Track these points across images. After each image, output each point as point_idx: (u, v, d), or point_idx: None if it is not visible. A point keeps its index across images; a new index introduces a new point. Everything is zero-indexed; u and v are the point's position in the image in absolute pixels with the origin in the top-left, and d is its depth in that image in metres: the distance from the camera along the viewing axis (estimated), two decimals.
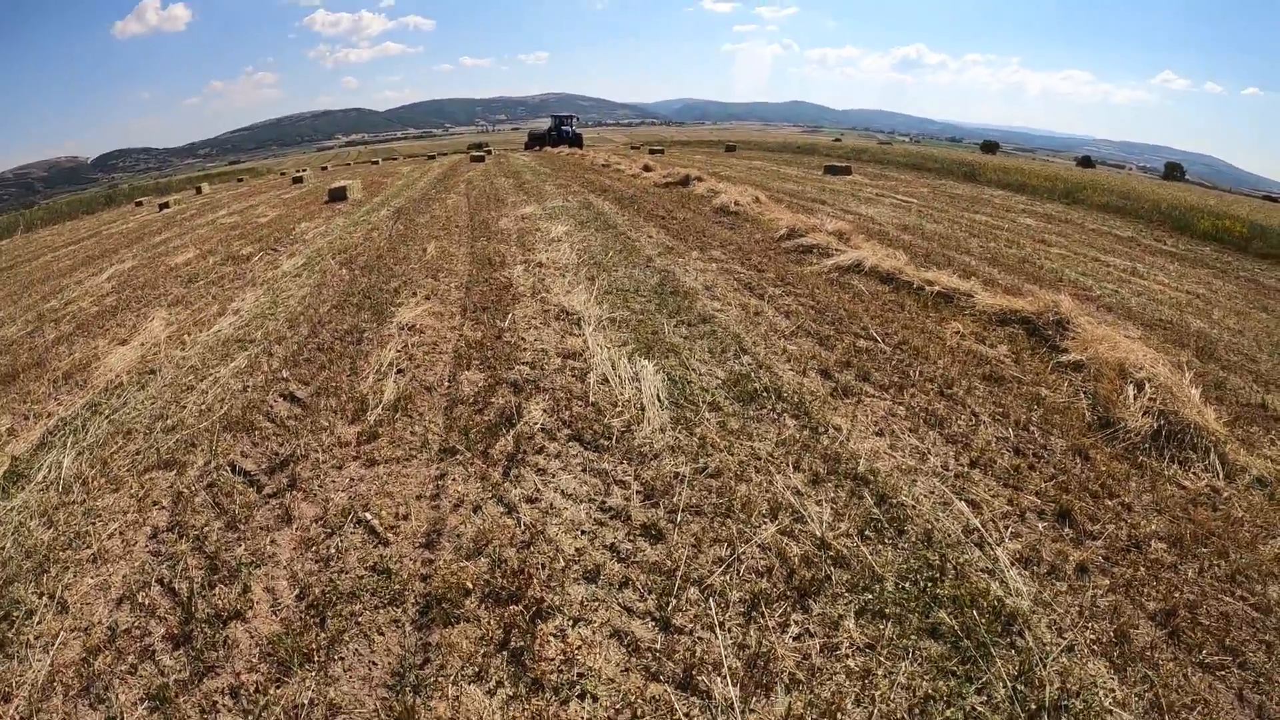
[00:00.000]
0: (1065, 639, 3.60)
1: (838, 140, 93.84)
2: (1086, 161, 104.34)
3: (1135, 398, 6.17)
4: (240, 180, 60.59)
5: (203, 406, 6.71)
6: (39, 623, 4.00)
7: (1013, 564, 4.12)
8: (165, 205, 35.61)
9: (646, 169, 27.40)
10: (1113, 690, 3.34)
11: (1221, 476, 5.42)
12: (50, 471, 5.75)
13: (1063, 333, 7.82)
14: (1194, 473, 5.43)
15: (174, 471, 5.51)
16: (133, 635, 3.81)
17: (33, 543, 4.77)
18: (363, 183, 30.34)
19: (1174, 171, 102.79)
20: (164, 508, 5.03)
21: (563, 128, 69.67)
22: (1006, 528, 4.49)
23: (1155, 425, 5.84)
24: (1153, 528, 4.64)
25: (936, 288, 9.53)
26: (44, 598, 4.20)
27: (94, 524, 4.90)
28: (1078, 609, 3.83)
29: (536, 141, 69.27)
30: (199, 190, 46.67)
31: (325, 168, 66.32)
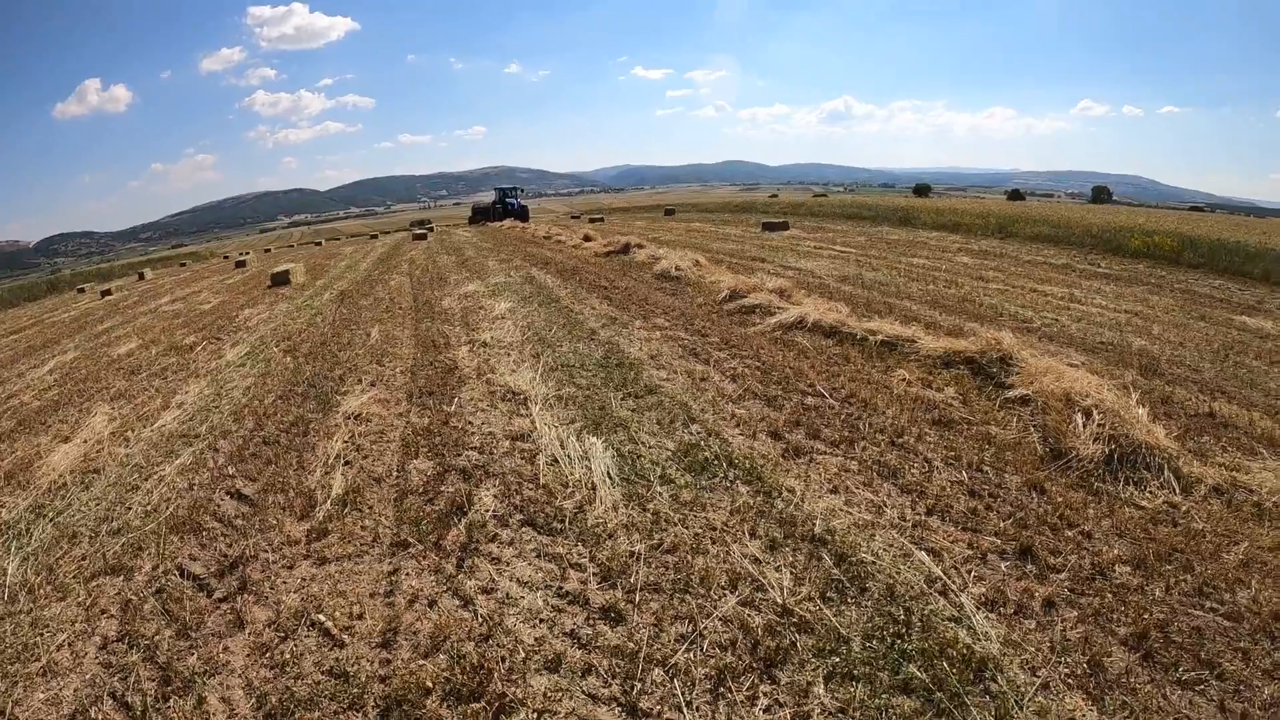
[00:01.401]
0: (1039, 677, 3.56)
1: (774, 196, 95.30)
2: (1016, 195, 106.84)
3: (1084, 425, 6.22)
4: (183, 264, 60.52)
5: (148, 507, 6.51)
6: None
7: (979, 608, 4.08)
8: (108, 292, 35.56)
9: (587, 239, 27.53)
10: None
11: (1178, 491, 5.47)
12: None
13: (1007, 369, 7.88)
14: (1150, 491, 5.47)
15: (121, 577, 5.31)
16: None
17: None
18: (306, 265, 30.12)
19: (1102, 195, 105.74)
20: (113, 616, 4.84)
21: (507, 200, 67.92)
22: (969, 572, 4.46)
23: (1107, 450, 5.88)
24: (1115, 552, 4.65)
25: (880, 337, 9.60)
26: None
27: (42, 635, 4.70)
28: (1048, 645, 3.80)
29: (482, 215, 67.98)
30: (141, 276, 46.59)
31: (269, 250, 66.05)
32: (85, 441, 8.71)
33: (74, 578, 5.40)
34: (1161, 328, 11.57)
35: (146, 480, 7.16)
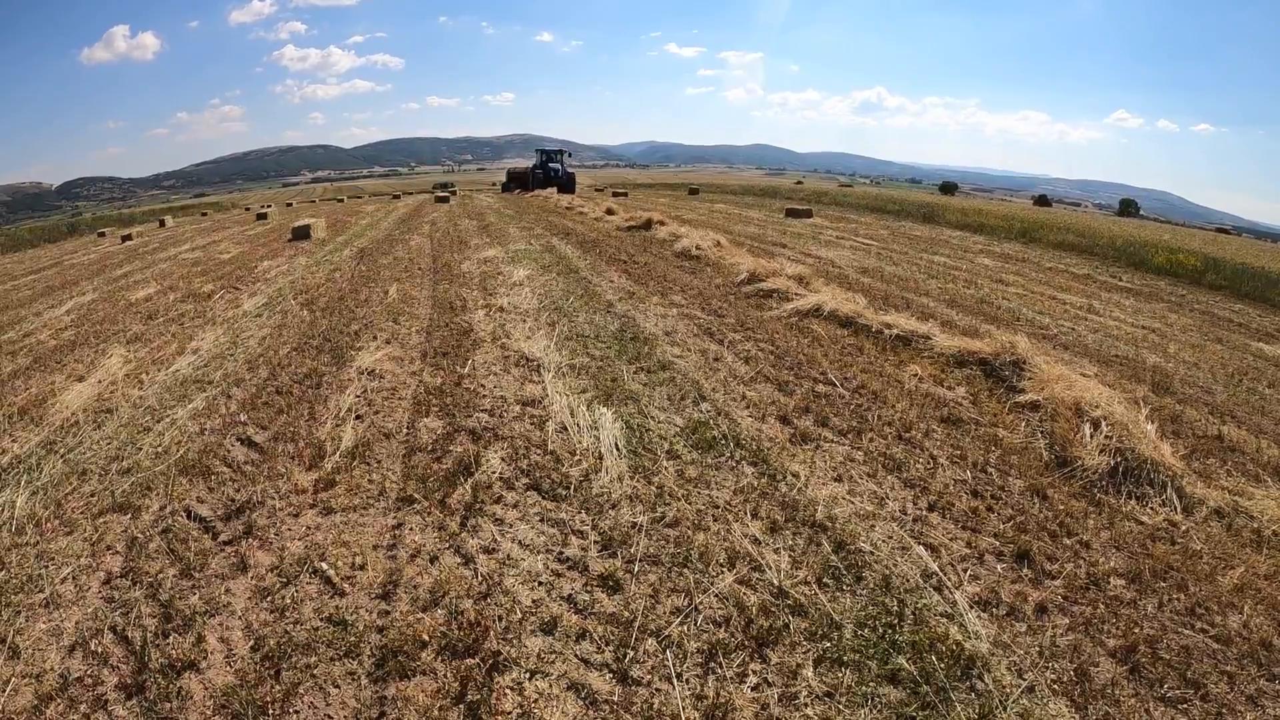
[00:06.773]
0: (1025, 680, 3.59)
1: (799, 183, 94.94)
2: (1043, 200, 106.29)
3: (1092, 436, 6.22)
4: (204, 214, 60.20)
5: (159, 449, 6.55)
6: None
7: (971, 607, 4.11)
8: (128, 237, 35.32)
9: (610, 212, 27.39)
10: None
11: (1179, 510, 5.46)
12: (3, 511, 5.57)
13: (1019, 373, 7.87)
14: (1151, 508, 5.46)
15: (129, 515, 5.36)
16: (85, 684, 3.69)
17: None
18: (327, 221, 30.14)
19: (1129, 208, 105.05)
20: (118, 553, 4.89)
21: (550, 165, 57.34)
22: (965, 570, 4.49)
23: (1112, 462, 5.88)
24: (1111, 565, 4.66)
25: (895, 331, 9.60)
26: None
27: (47, 567, 4.75)
28: (1037, 649, 3.82)
29: (517, 183, 59.34)
30: (162, 223, 46.26)
31: (290, 204, 65.56)
32: (99, 382, 8.76)
33: (82, 513, 5.45)
34: (1177, 346, 11.53)
35: (158, 422, 7.21)
